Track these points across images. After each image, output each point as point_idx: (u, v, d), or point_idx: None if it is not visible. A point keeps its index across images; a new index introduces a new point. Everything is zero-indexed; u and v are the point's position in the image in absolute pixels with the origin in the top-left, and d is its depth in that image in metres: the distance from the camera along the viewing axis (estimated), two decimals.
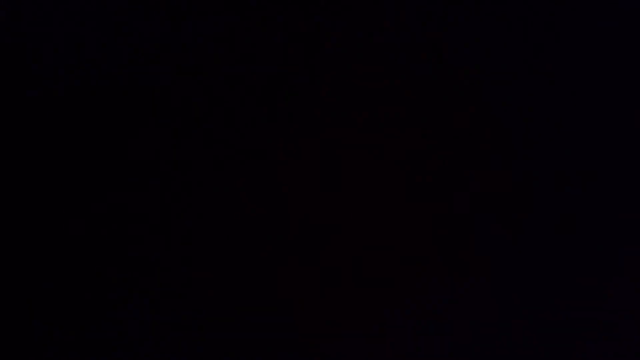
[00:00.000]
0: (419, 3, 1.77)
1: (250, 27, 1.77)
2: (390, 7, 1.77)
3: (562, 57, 1.77)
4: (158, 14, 1.76)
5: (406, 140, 1.76)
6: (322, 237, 1.72)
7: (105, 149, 1.75)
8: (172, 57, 1.77)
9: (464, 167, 1.74)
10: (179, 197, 1.73)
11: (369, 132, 1.76)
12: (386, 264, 1.72)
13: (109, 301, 1.69)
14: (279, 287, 1.70)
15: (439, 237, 1.73)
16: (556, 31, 1.77)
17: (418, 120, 1.76)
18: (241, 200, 1.73)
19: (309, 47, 1.77)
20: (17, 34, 1.76)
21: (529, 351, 1.69)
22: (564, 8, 1.76)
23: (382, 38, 1.77)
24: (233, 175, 1.74)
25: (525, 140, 1.75)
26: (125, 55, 1.76)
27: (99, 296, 1.70)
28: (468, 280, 1.71)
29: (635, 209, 1.73)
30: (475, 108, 1.76)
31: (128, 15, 1.76)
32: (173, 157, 1.74)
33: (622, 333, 1.68)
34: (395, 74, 1.77)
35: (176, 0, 1.76)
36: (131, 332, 1.69)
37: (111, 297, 1.70)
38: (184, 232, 1.72)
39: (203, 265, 1.71)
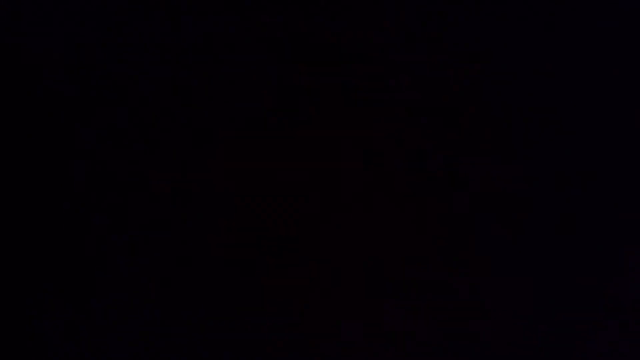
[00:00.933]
0: (419, 3, 1.77)
1: (250, 27, 1.77)
2: (390, 6, 1.77)
3: (562, 57, 1.77)
4: (158, 13, 1.77)
5: (406, 140, 1.76)
6: (322, 237, 1.73)
7: (105, 148, 1.75)
8: (172, 57, 1.77)
9: (464, 167, 1.75)
10: (178, 196, 1.74)
11: (369, 132, 1.76)
12: (386, 264, 1.72)
13: (108, 300, 1.69)
14: (278, 287, 1.70)
15: (439, 237, 1.73)
16: (556, 31, 1.77)
17: (418, 120, 1.76)
18: (241, 199, 1.73)
19: (309, 47, 1.77)
20: (17, 34, 1.76)
21: (529, 351, 1.69)
22: (564, 8, 1.77)
23: (382, 38, 1.77)
24: (233, 175, 1.74)
25: (526, 140, 1.75)
26: (125, 55, 1.77)
27: (99, 295, 1.70)
28: (468, 280, 1.71)
29: (636, 209, 1.73)
30: (475, 108, 1.76)
31: (128, 15, 1.77)
32: (172, 157, 1.75)
33: (622, 333, 1.68)
34: (396, 74, 1.77)
35: (176, 0, 1.77)
36: (131, 333, 1.69)
37: (111, 297, 1.70)
38: (183, 232, 1.73)
39: (202, 265, 1.72)
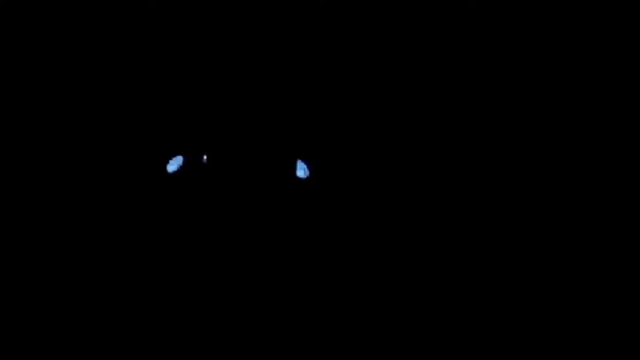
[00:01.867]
0: (419, 3, 1.77)
1: (250, 27, 1.77)
2: (391, 7, 1.77)
3: (562, 57, 1.77)
4: (157, 13, 1.77)
5: (406, 140, 1.76)
6: (321, 237, 1.73)
7: (104, 147, 1.76)
8: (171, 57, 1.77)
9: (464, 167, 1.75)
10: (176, 194, 1.74)
11: (369, 131, 1.76)
12: (386, 264, 1.72)
13: (108, 300, 1.69)
14: (277, 287, 1.70)
15: (438, 237, 1.73)
16: (556, 31, 1.77)
17: (418, 120, 1.76)
18: (239, 198, 1.73)
19: (309, 47, 1.77)
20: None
21: (528, 351, 1.69)
22: (563, 8, 1.77)
23: (381, 38, 1.77)
24: (232, 173, 1.74)
25: (525, 140, 1.75)
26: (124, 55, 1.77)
27: (98, 295, 1.70)
28: (468, 280, 1.71)
29: (635, 208, 1.73)
30: (475, 108, 1.76)
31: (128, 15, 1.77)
32: (171, 156, 1.75)
33: (622, 333, 1.68)
34: (396, 74, 1.77)
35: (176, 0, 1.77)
36: (130, 332, 1.68)
37: (111, 296, 1.70)
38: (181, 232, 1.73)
39: (201, 264, 1.72)
